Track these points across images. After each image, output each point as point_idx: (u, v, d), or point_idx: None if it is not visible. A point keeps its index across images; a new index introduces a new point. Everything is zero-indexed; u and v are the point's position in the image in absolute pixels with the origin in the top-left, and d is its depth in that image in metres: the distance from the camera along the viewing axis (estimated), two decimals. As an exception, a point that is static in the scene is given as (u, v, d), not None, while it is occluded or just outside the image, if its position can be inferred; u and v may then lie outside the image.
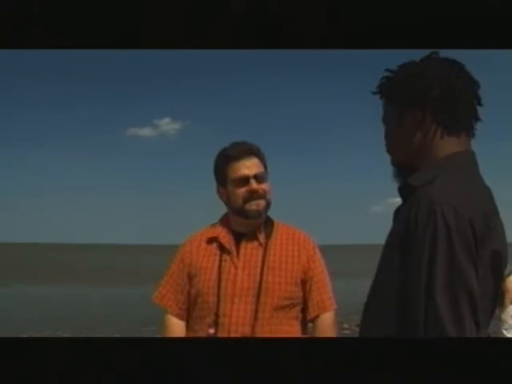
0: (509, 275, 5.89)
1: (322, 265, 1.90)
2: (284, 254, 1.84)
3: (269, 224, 1.90)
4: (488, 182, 1.17)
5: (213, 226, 1.96)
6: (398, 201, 1.23)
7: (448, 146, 1.17)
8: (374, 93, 1.27)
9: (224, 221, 1.94)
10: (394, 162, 1.27)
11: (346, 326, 8.85)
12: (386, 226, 1.21)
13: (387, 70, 1.24)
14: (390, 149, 1.27)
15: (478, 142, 1.21)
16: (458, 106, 1.16)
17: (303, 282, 1.84)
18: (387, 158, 1.30)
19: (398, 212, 1.18)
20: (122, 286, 19.77)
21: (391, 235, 1.16)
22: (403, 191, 1.20)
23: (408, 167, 1.22)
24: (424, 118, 1.17)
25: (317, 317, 1.84)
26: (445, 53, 1.24)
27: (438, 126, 1.17)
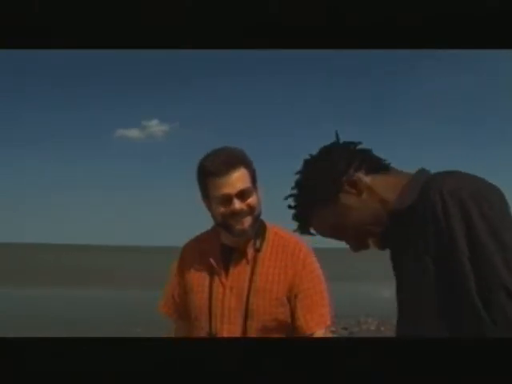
0: None
1: (310, 280, 1.75)
2: (271, 273, 1.75)
3: (260, 230, 1.78)
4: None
5: (204, 236, 1.90)
6: None
7: (397, 178, 1.18)
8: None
9: (215, 231, 1.86)
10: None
11: (332, 329, 8.81)
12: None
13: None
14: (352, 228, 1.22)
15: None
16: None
17: (289, 300, 1.74)
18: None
19: (411, 211, 1.12)
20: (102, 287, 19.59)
21: (415, 236, 1.11)
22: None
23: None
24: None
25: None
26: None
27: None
